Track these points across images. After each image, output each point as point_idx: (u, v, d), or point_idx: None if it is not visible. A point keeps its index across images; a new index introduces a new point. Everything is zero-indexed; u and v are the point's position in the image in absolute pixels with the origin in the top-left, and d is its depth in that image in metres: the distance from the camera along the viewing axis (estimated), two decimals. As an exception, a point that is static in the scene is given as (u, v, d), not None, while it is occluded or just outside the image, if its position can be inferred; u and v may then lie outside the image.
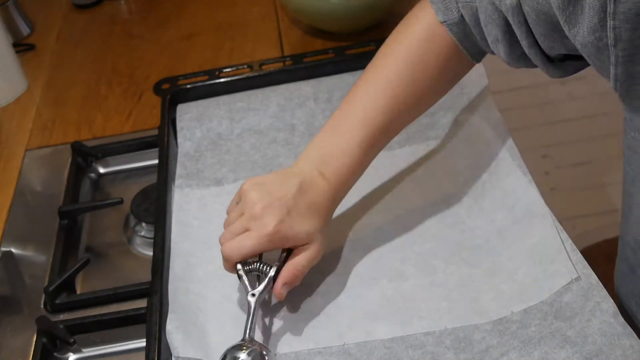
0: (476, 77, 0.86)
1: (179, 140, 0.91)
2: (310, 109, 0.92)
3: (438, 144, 0.85)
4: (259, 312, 0.69)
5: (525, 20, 0.62)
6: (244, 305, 0.72)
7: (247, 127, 0.92)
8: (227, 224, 0.71)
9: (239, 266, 0.68)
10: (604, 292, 0.62)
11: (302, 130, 0.91)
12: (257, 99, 0.94)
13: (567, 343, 0.60)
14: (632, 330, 0.59)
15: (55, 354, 0.74)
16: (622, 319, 0.60)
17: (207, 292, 0.73)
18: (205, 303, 0.72)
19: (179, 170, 0.87)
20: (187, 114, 0.93)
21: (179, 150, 0.90)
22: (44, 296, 0.78)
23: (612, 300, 0.61)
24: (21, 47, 1.20)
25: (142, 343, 0.71)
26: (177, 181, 0.85)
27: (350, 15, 1.05)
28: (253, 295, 0.67)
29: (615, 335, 0.59)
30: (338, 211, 0.80)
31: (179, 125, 0.92)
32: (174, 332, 0.66)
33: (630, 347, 0.58)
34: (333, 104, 0.92)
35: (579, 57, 0.61)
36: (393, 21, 1.09)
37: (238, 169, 0.87)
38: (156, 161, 0.87)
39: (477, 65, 0.87)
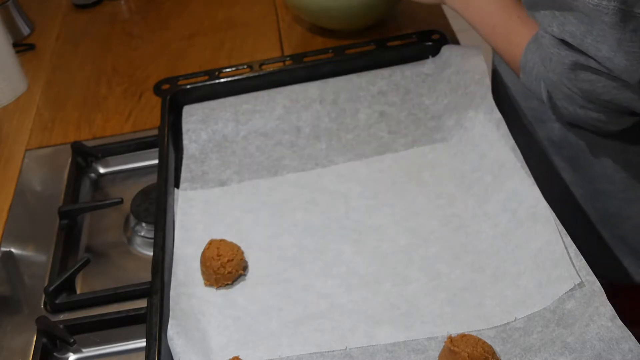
0: (479, 76, 0.85)
1: (185, 142, 0.90)
2: (316, 111, 0.92)
3: (444, 147, 0.85)
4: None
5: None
6: (247, 308, 0.71)
7: (253, 129, 0.91)
8: None
9: None
10: (604, 298, 0.61)
11: (307, 133, 0.90)
12: (263, 101, 0.93)
13: (567, 349, 0.60)
14: (630, 334, 0.59)
15: (55, 354, 0.74)
16: (620, 322, 0.59)
17: (209, 296, 0.73)
18: (208, 307, 0.72)
19: (184, 174, 0.86)
20: (193, 116, 0.93)
21: (185, 152, 0.89)
22: (44, 296, 0.78)
23: (609, 305, 0.60)
24: (21, 47, 1.20)
25: (142, 343, 0.71)
26: (182, 185, 0.85)
27: (353, 13, 1.05)
28: None
29: (614, 339, 0.58)
30: (342, 213, 0.80)
31: (184, 127, 0.91)
32: (175, 337, 0.66)
33: (629, 351, 0.58)
34: (339, 106, 0.92)
35: None
36: (393, 21, 1.10)
37: (243, 171, 0.87)
38: (156, 161, 0.87)
39: (479, 63, 0.87)
